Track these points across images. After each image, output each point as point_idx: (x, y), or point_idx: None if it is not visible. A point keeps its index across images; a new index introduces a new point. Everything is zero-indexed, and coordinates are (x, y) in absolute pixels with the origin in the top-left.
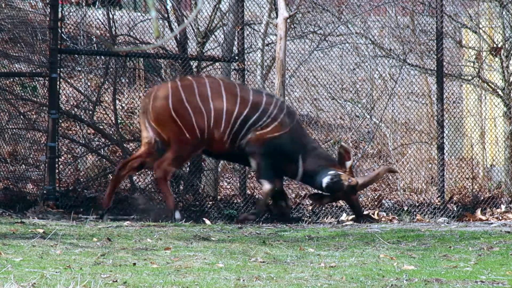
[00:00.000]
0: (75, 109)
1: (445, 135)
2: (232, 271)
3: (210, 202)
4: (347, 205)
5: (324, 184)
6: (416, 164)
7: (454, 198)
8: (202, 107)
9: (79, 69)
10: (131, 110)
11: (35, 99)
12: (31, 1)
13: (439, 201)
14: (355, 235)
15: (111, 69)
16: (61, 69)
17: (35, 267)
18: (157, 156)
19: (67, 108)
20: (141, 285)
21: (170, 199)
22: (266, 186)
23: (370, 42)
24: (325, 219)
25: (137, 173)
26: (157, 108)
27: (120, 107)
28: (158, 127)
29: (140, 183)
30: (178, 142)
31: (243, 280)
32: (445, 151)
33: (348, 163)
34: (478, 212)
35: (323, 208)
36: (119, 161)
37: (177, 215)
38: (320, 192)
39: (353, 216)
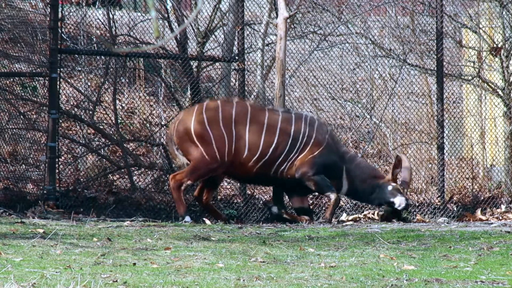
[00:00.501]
0: (75, 109)
1: (445, 135)
2: (232, 271)
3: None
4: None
5: (400, 206)
6: (416, 164)
7: (454, 198)
8: (224, 132)
9: (79, 69)
10: (131, 110)
11: (35, 99)
12: (31, 1)
13: (439, 201)
14: (355, 235)
15: (111, 69)
16: (61, 69)
17: (35, 267)
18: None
19: (67, 108)
20: (141, 285)
21: (181, 207)
22: (332, 196)
23: (370, 42)
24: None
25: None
26: (179, 132)
27: (120, 107)
28: (182, 149)
29: (140, 183)
30: (197, 160)
31: (243, 280)
32: (445, 151)
33: (397, 171)
34: (478, 212)
35: (323, 208)
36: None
37: (187, 219)
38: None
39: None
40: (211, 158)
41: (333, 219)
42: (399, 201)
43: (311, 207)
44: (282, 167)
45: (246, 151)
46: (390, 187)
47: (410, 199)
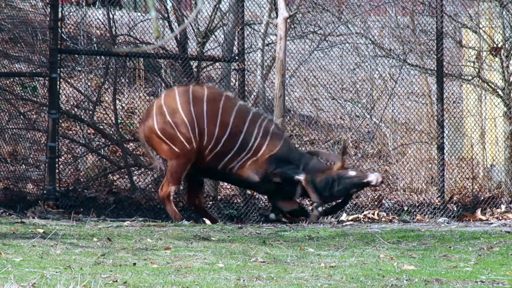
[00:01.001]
0: (75, 109)
1: (445, 135)
2: (232, 271)
3: (210, 202)
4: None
5: (378, 181)
6: (416, 164)
7: (454, 198)
8: (186, 119)
9: (79, 69)
10: (131, 110)
11: (35, 99)
12: (31, 1)
13: (439, 201)
14: (355, 235)
15: (111, 69)
16: (61, 69)
17: (35, 267)
18: (194, 184)
19: (67, 108)
20: (141, 285)
21: (175, 216)
22: (301, 177)
23: (370, 42)
24: (325, 219)
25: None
26: (146, 133)
27: (120, 107)
28: (153, 148)
29: (140, 183)
30: (170, 157)
31: (243, 280)
32: (445, 151)
33: (344, 158)
34: (478, 212)
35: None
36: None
37: (185, 222)
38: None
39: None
40: (180, 149)
41: (333, 220)
42: (375, 178)
43: (303, 206)
44: (232, 164)
45: (206, 137)
46: (352, 173)
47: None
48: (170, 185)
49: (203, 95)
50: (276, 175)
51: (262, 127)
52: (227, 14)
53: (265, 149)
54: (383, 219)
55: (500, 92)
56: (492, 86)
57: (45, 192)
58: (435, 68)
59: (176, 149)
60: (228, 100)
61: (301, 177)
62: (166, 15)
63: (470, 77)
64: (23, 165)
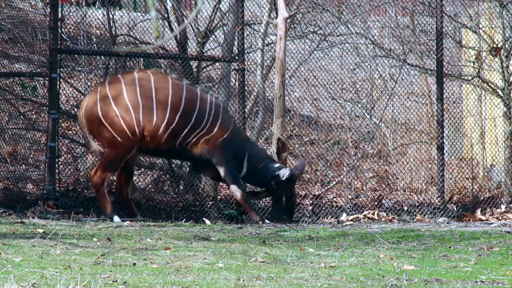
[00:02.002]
0: (75, 109)
1: (445, 135)
2: (232, 271)
3: (210, 202)
4: (286, 198)
5: (284, 176)
6: (416, 164)
7: (454, 198)
8: (130, 106)
9: (79, 69)
10: None
11: (35, 99)
12: (31, 1)
13: (439, 201)
14: (355, 235)
15: (111, 69)
16: (61, 69)
17: (35, 267)
18: (125, 173)
19: (67, 108)
20: (141, 285)
21: (107, 206)
22: (238, 194)
23: (370, 42)
24: (325, 219)
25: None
26: (88, 117)
27: None
28: (93, 136)
29: (140, 183)
30: (110, 143)
31: (243, 280)
32: (445, 151)
33: (284, 155)
34: (478, 212)
35: (323, 208)
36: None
37: (116, 219)
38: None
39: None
40: (122, 138)
41: (333, 220)
42: (282, 172)
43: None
44: (188, 140)
45: (154, 122)
46: (276, 164)
47: (294, 173)
48: (106, 171)
49: (150, 81)
50: (221, 168)
51: (213, 108)
52: (227, 14)
53: (217, 130)
54: (383, 219)
55: (500, 92)
56: (492, 86)
57: (45, 192)
58: (435, 68)
59: (118, 138)
60: (176, 83)
61: (238, 193)
62: (166, 15)
63: (470, 77)
64: (23, 165)
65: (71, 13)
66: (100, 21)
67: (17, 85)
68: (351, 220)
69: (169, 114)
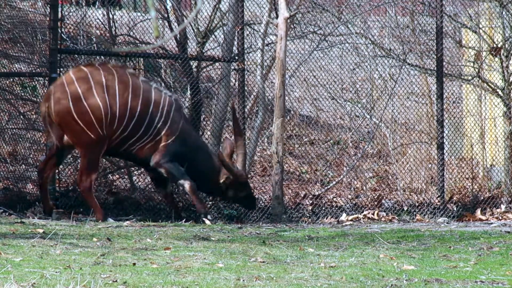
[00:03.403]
0: None
1: (445, 135)
2: (232, 271)
3: (210, 202)
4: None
5: (221, 179)
6: (416, 164)
7: (454, 198)
8: (98, 99)
9: None
10: None
11: (35, 99)
12: (31, 1)
13: (439, 201)
14: (355, 235)
15: None
16: (61, 69)
17: (35, 267)
18: (59, 159)
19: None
20: (141, 285)
21: (98, 211)
22: (186, 185)
23: (370, 42)
24: (325, 219)
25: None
26: (59, 112)
27: None
28: (64, 131)
29: (140, 183)
30: (83, 142)
31: (243, 280)
32: (445, 151)
33: (229, 154)
34: (478, 212)
35: (323, 208)
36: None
37: (110, 220)
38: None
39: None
40: (96, 135)
41: (333, 220)
42: (223, 174)
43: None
44: (133, 146)
45: (116, 123)
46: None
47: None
48: (90, 173)
49: (114, 78)
50: (162, 169)
51: (164, 111)
52: (227, 14)
53: (162, 135)
54: (383, 219)
55: (500, 92)
56: (492, 86)
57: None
58: (435, 68)
59: (92, 135)
60: (135, 82)
61: (186, 184)
62: (166, 15)
63: (470, 77)
64: (23, 165)
65: (71, 13)
66: (100, 21)
67: (17, 85)
68: (351, 220)
69: (128, 117)
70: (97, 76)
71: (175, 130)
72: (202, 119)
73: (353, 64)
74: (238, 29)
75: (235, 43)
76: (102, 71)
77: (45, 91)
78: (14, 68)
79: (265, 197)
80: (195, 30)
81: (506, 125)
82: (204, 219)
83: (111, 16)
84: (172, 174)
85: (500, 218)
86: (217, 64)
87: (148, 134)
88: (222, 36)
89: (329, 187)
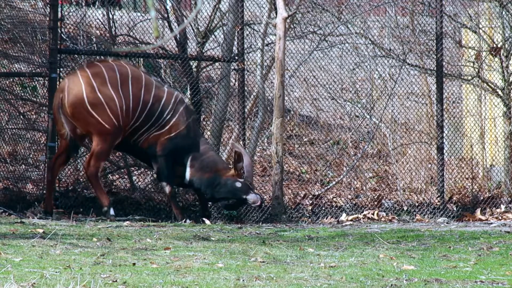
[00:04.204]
0: None
1: (444, 135)
2: (232, 271)
3: (210, 202)
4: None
5: (255, 203)
6: (416, 164)
7: (454, 198)
8: (113, 93)
9: None
10: None
11: (35, 99)
12: (31, 1)
13: (438, 201)
14: (355, 235)
15: None
16: (61, 69)
17: (35, 267)
18: (71, 153)
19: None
20: (141, 285)
21: (104, 196)
22: (166, 188)
23: (370, 42)
24: (325, 219)
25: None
26: (73, 103)
27: None
28: (76, 122)
29: (140, 183)
30: (98, 132)
31: (243, 280)
32: (444, 151)
33: (240, 165)
34: (478, 212)
35: (323, 208)
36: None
37: (112, 212)
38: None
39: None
40: (110, 125)
41: (333, 220)
42: (253, 199)
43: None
44: (142, 137)
45: (131, 114)
46: (239, 184)
47: (261, 197)
48: (99, 160)
49: (128, 73)
50: (156, 162)
51: (174, 108)
52: (227, 14)
53: (167, 129)
54: (382, 219)
55: (499, 92)
56: (492, 86)
57: (45, 192)
58: (435, 68)
59: (106, 125)
60: (148, 79)
61: (166, 188)
62: (165, 15)
63: (469, 77)
64: (22, 165)
65: (71, 13)
66: (100, 21)
67: (17, 85)
68: (351, 220)
69: (139, 112)
70: (111, 70)
71: (181, 124)
72: (202, 119)
73: (353, 64)
74: (238, 29)
75: (235, 43)
76: (115, 66)
77: (45, 91)
78: (14, 68)
79: (265, 197)
80: (195, 30)
81: (506, 125)
82: (203, 219)
83: (111, 16)
84: (160, 171)
85: (500, 218)
86: (217, 64)
87: (154, 126)
88: (222, 36)
89: (329, 187)
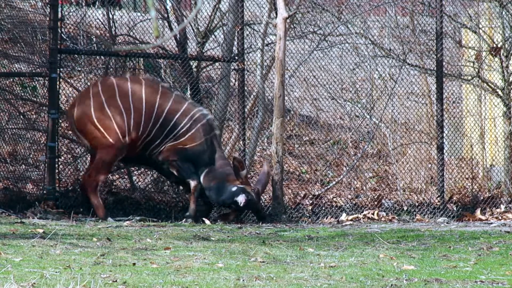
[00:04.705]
0: None
1: (444, 135)
2: (232, 271)
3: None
4: (253, 213)
5: (241, 203)
6: (416, 164)
7: (454, 198)
8: (122, 108)
9: (79, 69)
10: None
11: (35, 99)
12: (31, 1)
13: (438, 201)
14: (355, 235)
15: (111, 69)
16: (61, 69)
17: (35, 267)
18: None
19: (67, 108)
20: (141, 285)
21: (100, 210)
22: (192, 182)
23: (370, 42)
24: (325, 219)
25: (136, 173)
26: (78, 116)
27: None
28: (83, 136)
29: (140, 183)
30: (102, 146)
31: (243, 280)
32: (444, 151)
33: (243, 173)
34: (478, 212)
35: (323, 208)
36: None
37: (110, 220)
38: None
39: (260, 219)
40: (114, 140)
41: (333, 220)
42: (240, 199)
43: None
44: (157, 150)
45: (141, 128)
46: (234, 188)
47: (252, 196)
48: (99, 174)
49: (141, 88)
50: (173, 166)
51: (191, 120)
52: (227, 14)
53: (181, 140)
54: (382, 219)
55: (499, 92)
56: (492, 86)
57: (45, 192)
58: (435, 68)
59: (110, 140)
60: (165, 92)
61: (192, 183)
62: (165, 15)
63: (469, 77)
64: (23, 165)
65: (71, 13)
66: (100, 21)
67: (17, 85)
68: (351, 220)
69: (151, 125)
70: (122, 85)
71: (198, 139)
72: None
73: (353, 64)
74: (238, 29)
75: (235, 43)
76: (129, 81)
77: (45, 91)
78: (14, 68)
79: (265, 197)
80: (195, 30)
81: (506, 125)
82: (203, 218)
83: (111, 16)
84: (181, 170)
85: (500, 218)
86: (217, 64)
87: (168, 137)
88: (222, 36)
89: (329, 187)
